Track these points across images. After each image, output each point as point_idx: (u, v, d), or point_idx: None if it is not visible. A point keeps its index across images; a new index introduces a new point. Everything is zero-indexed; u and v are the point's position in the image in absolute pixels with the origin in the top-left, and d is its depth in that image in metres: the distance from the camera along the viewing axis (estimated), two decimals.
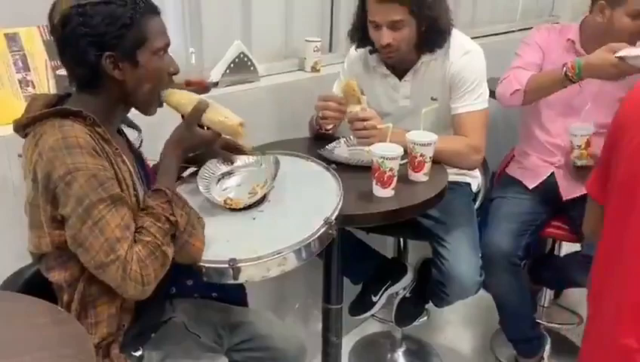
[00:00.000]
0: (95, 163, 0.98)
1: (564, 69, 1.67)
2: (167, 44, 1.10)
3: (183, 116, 1.16)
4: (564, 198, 1.91)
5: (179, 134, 1.14)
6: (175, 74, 1.13)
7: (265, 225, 1.17)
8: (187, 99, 1.14)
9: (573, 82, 1.68)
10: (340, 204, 1.18)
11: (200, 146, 1.20)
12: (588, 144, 1.80)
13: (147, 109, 1.14)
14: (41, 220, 1.02)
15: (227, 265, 1.02)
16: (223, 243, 1.10)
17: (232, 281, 1.04)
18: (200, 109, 1.13)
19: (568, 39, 1.88)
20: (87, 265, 1.00)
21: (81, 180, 0.96)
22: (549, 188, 1.93)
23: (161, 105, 1.15)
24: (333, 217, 1.13)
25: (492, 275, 1.82)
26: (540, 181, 1.93)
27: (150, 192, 1.07)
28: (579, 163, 1.82)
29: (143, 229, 1.01)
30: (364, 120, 1.50)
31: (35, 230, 1.04)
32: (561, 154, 1.93)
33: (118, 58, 1.04)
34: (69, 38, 1.02)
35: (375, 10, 1.54)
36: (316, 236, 1.09)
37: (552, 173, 1.93)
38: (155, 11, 1.08)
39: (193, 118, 1.13)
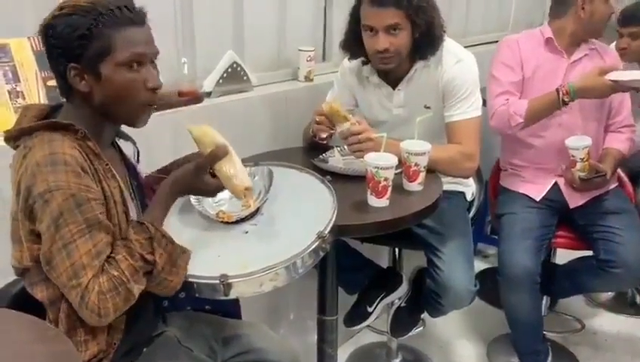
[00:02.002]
0: (77, 182, 0.97)
1: (560, 95, 1.74)
2: (140, 56, 1.03)
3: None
4: (570, 206, 1.92)
5: (185, 175, 1.08)
6: (155, 89, 1.06)
7: (257, 239, 1.15)
8: (209, 139, 1.08)
9: (566, 104, 1.76)
10: (334, 217, 1.17)
11: (201, 193, 1.15)
12: (589, 155, 1.82)
13: (131, 123, 1.09)
14: (20, 234, 1.00)
15: (218, 281, 1.01)
16: (214, 258, 1.09)
17: (223, 297, 1.02)
18: (217, 157, 1.07)
19: (548, 38, 1.91)
20: (55, 282, 0.99)
21: (59, 199, 0.95)
22: (554, 197, 1.94)
23: (149, 115, 1.10)
24: (327, 231, 1.11)
25: (514, 295, 1.85)
26: (546, 191, 1.94)
27: (135, 222, 1.04)
28: (582, 175, 1.83)
29: (114, 261, 0.98)
30: (357, 134, 1.49)
31: (17, 244, 1.03)
32: (557, 162, 1.93)
33: (81, 70, 1.02)
34: (46, 48, 1.03)
35: (371, 15, 1.53)
36: (309, 251, 1.07)
37: (555, 183, 1.94)
38: (128, 22, 1.02)
39: (206, 164, 1.08)
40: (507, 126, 1.83)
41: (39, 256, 0.99)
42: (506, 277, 1.83)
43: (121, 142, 1.21)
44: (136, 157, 1.23)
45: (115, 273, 0.97)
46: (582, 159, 1.81)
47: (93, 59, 1.01)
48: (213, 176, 1.09)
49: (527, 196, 1.95)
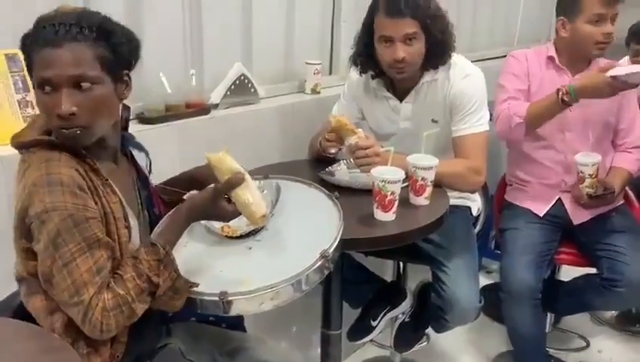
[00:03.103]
0: (75, 202, 0.96)
1: (560, 95, 1.72)
2: (46, 80, 0.96)
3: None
4: (574, 223, 1.91)
5: (203, 201, 1.08)
6: (60, 116, 0.96)
7: (260, 255, 1.14)
8: (226, 166, 1.08)
9: (570, 105, 1.73)
10: (339, 236, 1.15)
11: (217, 219, 1.15)
12: (597, 172, 1.81)
13: (70, 148, 1.01)
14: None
15: (217, 298, 1.00)
16: (216, 274, 1.08)
17: (223, 314, 1.02)
18: (233, 184, 1.06)
19: (549, 56, 1.91)
20: (54, 299, 0.99)
21: (57, 219, 0.94)
22: (558, 213, 1.93)
23: (77, 144, 1.01)
24: (331, 250, 1.09)
25: (515, 310, 1.83)
26: (549, 207, 1.93)
27: (148, 242, 1.03)
28: (591, 191, 1.82)
29: (121, 279, 0.98)
30: (365, 148, 1.49)
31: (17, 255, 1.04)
32: (561, 178, 1.93)
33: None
34: None
35: (388, 25, 1.54)
36: (311, 270, 1.05)
37: (559, 199, 1.93)
38: (44, 43, 0.96)
39: (222, 191, 1.07)
40: (508, 128, 1.82)
41: (35, 271, 0.99)
42: (507, 292, 1.82)
43: (135, 153, 1.20)
44: (148, 168, 1.22)
45: (122, 291, 0.97)
46: (590, 175, 1.80)
47: (32, 79, 1.01)
48: (229, 201, 1.08)
49: (530, 211, 1.95)
